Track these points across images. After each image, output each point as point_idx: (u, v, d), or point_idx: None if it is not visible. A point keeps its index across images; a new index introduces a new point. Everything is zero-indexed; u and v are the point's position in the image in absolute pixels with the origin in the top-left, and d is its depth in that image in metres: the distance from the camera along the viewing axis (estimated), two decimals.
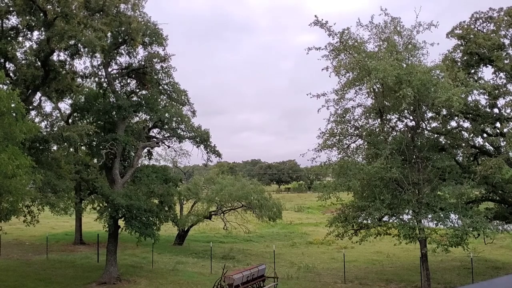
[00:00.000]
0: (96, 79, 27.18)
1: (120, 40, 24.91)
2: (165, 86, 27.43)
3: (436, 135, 23.51)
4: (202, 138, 28.44)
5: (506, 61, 22.48)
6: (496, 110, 23.63)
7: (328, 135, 21.65)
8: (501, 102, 23.48)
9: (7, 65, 22.54)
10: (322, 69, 21.22)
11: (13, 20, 22.17)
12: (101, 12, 21.99)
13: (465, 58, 23.91)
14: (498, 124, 23.05)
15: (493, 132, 23.04)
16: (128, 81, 27.71)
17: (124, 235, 25.68)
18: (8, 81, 20.61)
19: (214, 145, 29.17)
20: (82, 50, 22.90)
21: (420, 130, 22.37)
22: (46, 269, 27.20)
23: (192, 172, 63.90)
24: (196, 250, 35.31)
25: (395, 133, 23.12)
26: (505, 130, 22.01)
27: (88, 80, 27.46)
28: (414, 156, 21.06)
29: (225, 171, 61.40)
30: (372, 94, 21.53)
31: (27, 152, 19.32)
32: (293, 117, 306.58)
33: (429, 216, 20.39)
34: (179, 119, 27.98)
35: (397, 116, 22.39)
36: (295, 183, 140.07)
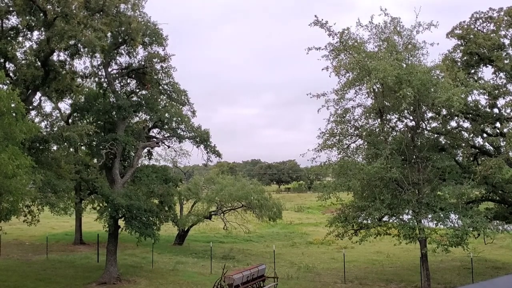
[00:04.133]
0: (96, 79, 27.19)
1: (120, 40, 24.91)
2: (165, 86, 27.42)
3: (436, 135, 23.51)
4: (202, 138, 28.44)
5: (506, 61, 22.47)
6: (496, 110, 23.62)
7: (328, 135, 21.65)
8: (501, 102, 23.49)
9: (7, 65, 22.54)
10: (322, 69, 21.25)
11: (13, 20, 22.20)
12: (101, 12, 21.99)
13: (465, 58, 23.90)
14: (498, 124, 23.04)
15: (493, 132, 23.03)
16: (128, 81, 27.72)
17: (124, 235, 25.67)
18: (8, 81, 20.60)
19: (214, 145, 29.21)
20: (82, 50, 22.88)
21: (420, 130, 22.36)
22: (46, 269, 27.20)
23: (192, 172, 63.92)
24: (196, 250, 35.31)
25: (395, 133, 23.12)
26: (505, 130, 21.99)
27: (88, 80, 27.47)
28: (414, 156, 21.06)
29: (225, 171, 61.42)
30: (372, 94, 21.52)
31: (27, 152, 19.31)
32: None
33: (429, 216, 20.39)
34: (179, 119, 27.98)
35: (397, 116, 22.39)
36: (295, 183, 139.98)
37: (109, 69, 26.04)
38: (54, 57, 23.32)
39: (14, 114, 17.17)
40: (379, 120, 22.14)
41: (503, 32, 23.14)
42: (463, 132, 24.13)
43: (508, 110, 23.05)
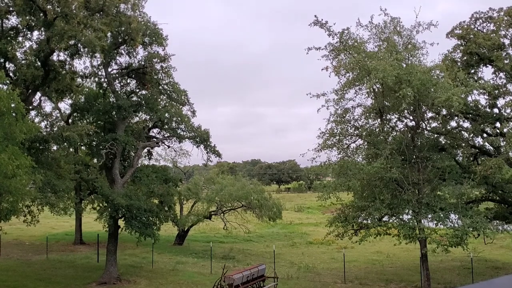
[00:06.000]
0: (96, 79, 27.18)
1: (120, 40, 24.90)
2: (165, 86, 27.40)
3: (436, 135, 23.51)
4: (202, 138, 28.42)
5: (506, 61, 22.48)
6: (496, 110, 23.63)
7: (328, 135, 21.66)
8: (501, 102, 23.51)
9: (7, 65, 22.55)
10: (322, 69, 21.25)
11: (13, 20, 22.21)
12: (101, 12, 21.99)
13: (465, 58, 23.91)
14: (498, 124, 23.05)
15: (493, 132, 23.03)
16: (128, 81, 27.70)
17: (124, 235, 25.67)
18: (8, 81, 20.58)
19: (214, 145, 29.19)
20: (82, 50, 22.88)
21: (420, 130, 22.36)
22: (46, 269, 27.20)
23: (192, 172, 63.87)
24: (196, 250, 35.30)
25: (395, 133, 23.11)
26: (505, 130, 22.00)
27: (88, 80, 27.46)
28: (414, 156, 21.05)
29: (225, 171, 61.38)
30: (372, 94, 21.53)
31: (27, 152, 19.31)
32: None
33: (429, 216, 20.40)
34: (179, 119, 27.96)
35: (397, 116, 22.39)
36: (295, 183, 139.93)
37: (109, 69, 26.03)
38: (54, 57, 23.35)
39: (14, 114, 17.18)
40: (379, 120, 22.14)
41: (503, 32, 23.14)
42: (463, 132, 24.13)
43: (508, 110, 23.06)
